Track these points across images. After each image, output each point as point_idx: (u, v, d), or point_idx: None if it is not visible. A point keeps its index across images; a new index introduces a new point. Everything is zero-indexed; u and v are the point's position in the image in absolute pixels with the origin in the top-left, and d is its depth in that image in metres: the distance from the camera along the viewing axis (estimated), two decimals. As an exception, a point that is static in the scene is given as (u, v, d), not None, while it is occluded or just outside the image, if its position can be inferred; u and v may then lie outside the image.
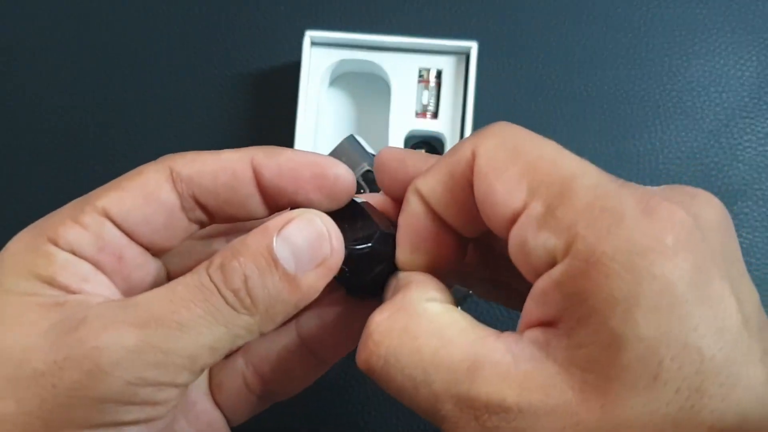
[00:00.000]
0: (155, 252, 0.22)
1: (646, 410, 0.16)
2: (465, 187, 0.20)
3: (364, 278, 0.21)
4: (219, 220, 0.22)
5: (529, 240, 0.17)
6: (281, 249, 0.19)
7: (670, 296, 0.16)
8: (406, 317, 0.19)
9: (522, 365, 0.17)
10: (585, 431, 0.16)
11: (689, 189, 0.18)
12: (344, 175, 0.22)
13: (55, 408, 0.17)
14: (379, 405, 0.38)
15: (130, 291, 0.21)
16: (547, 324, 0.17)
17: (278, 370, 0.24)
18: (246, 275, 0.19)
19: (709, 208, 0.18)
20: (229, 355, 0.24)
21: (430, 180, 0.20)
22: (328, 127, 0.41)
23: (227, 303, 0.19)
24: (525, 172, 0.18)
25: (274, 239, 0.19)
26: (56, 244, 0.20)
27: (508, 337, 0.18)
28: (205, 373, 0.24)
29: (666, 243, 0.16)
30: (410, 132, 0.39)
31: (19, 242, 0.20)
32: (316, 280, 0.20)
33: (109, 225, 0.20)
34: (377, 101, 0.41)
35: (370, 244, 0.21)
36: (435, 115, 0.39)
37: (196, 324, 0.19)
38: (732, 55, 0.42)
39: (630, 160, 0.41)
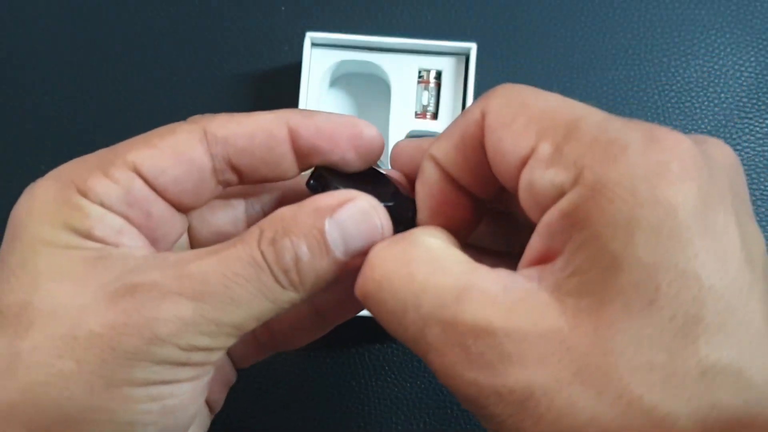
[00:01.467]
0: (181, 209, 0.22)
1: (639, 335, 0.15)
2: (477, 148, 0.20)
3: None
4: (248, 181, 0.23)
5: (536, 179, 0.18)
6: (333, 233, 0.20)
7: (671, 221, 0.15)
8: (404, 245, 0.19)
9: (512, 294, 0.17)
10: (576, 355, 0.16)
11: (699, 135, 0.18)
12: (377, 136, 0.22)
13: (116, 368, 0.18)
14: (378, 406, 0.38)
15: (156, 245, 0.22)
16: (545, 260, 0.17)
17: (285, 323, 0.25)
18: (297, 256, 0.20)
19: (719, 149, 0.18)
20: None
21: (443, 145, 0.21)
22: (329, 128, 0.41)
23: (277, 281, 0.20)
24: (532, 120, 0.18)
25: (327, 222, 0.20)
26: (86, 197, 0.20)
27: (501, 270, 0.18)
28: None
29: (671, 168, 0.16)
30: (410, 132, 0.40)
31: (47, 191, 0.20)
32: (359, 264, 0.20)
33: (139, 181, 0.21)
34: (377, 102, 0.41)
35: (391, 203, 0.21)
36: (435, 115, 0.40)
37: (248, 300, 0.19)
38: (730, 55, 0.42)
39: (629, 161, 0.41)
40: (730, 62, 0.42)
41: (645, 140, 0.17)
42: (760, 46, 0.42)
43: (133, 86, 0.42)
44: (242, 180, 0.22)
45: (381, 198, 0.21)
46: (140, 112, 0.42)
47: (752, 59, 0.42)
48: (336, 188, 0.21)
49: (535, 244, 0.18)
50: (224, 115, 0.22)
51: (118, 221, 0.20)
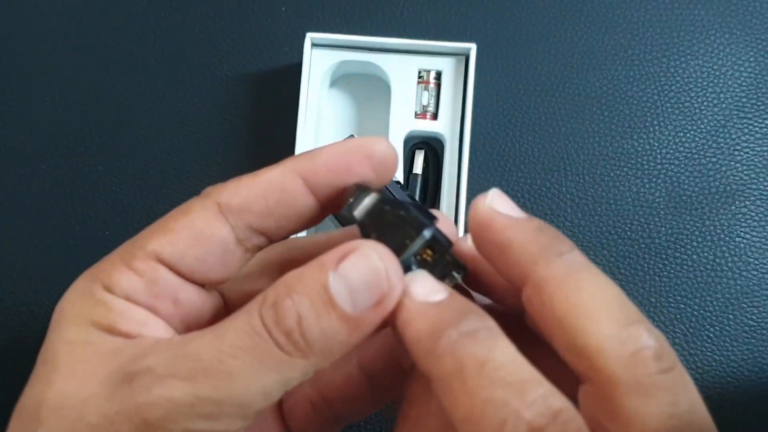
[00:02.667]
0: (212, 286, 0.21)
1: None
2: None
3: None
4: (278, 239, 0.22)
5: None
6: (337, 287, 0.18)
7: None
8: (485, 346, 0.18)
9: None
10: None
11: None
12: (387, 150, 0.21)
13: None
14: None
15: (188, 329, 0.21)
16: None
17: (344, 396, 0.23)
18: (300, 315, 0.18)
19: None
20: None
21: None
22: (329, 128, 0.42)
23: (279, 347, 0.18)
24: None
25: (330, 276, 0.18)
26: (111, 292, 0.20)
27: None
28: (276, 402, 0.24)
29: None
30: (410, 132, 0.40)
31: (76, 291, 0.20)
32: (374, 318, 0.19)
33: (162, 270, 0.20)
34: (377, 102, 0.41)
35: (431, 233, 0.20)
36: (435, 116, 0.40)
37: (247, 372, 0.18)
38: (730, 55, 0.43)
39: (628, 160, 0.41)
40: (729, 62, 0.42)
41: None
42: (760, 47, 0.42)
43: (133, 86, 0.42)
44: (272, 239, 0.21)
45: (419, 226, 0.20)
46: (141, 112, 0.42)
47: (751, 59, 0.42)
48: (363, 226, 0.20)
49: None
50: (233, 182, 0.21)
51: (142, 313, 0.20)
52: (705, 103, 0.42)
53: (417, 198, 0.40)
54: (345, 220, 0.20)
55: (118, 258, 0.20)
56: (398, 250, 0.20)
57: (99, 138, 0.42)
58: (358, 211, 0.20)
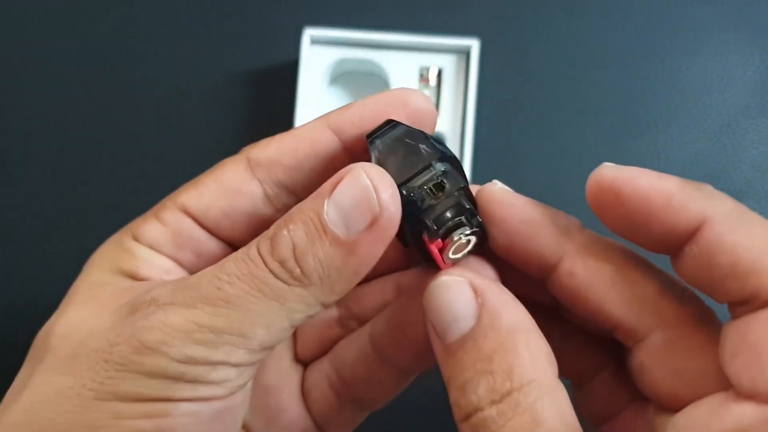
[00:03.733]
0: (242, 245, 0.21)
1: None
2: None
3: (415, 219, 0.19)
4: (305, 196, 0.21)
5: None
6: (331, 212, 0.18)
7: None
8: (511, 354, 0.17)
9: None
10: None
11: None
12: (423, 102, 0.20)
13: (105, 380, 0.18)
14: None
15: None
16: None
17: (358, 376, 0.22)
18: (294, 243, 0.18)
19: None
20: (317, 358, 0.23)
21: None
22: (327, 127, 0.41)
23: (275, 275, 0.18)
24: None
25: (325, 203, 0.18)
26: (138, 241, 0.20)
27: None
28: (297, 378, 0.23)
29: None
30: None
31: (109, 241, 0.21)
32: (371, 243, 0.18)
33: (187, 221, 0.20)
34: (377, 100, 0.40)
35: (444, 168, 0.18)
36: (435, 114, 0.39)
37: (243, 300, 0.18)
38: (735, 55, 0.42)
39: (632, 160, 0.41)
40: (734, 62, 0.42)
41: None
42: (765, 45, 0.42)
43: (130, 84, 0.42)
44: (299, 197, 0.21)
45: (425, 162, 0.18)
46: (135, 110, 0.41)
47: (757, 59, 0.42)
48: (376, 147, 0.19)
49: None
50: (266, 139, 0.21)
51: (167, 263, 0.20)
52: (709, 104, 0.42)
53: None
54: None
55: (153, 210, 0.21)
56: (404, 179, 0.18)
57: (97, 135, 0.41)
58: (374, 137, 0.19)
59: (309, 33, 0.38)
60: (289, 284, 0.18)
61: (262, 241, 0.18)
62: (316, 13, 0.42)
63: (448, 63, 0.39)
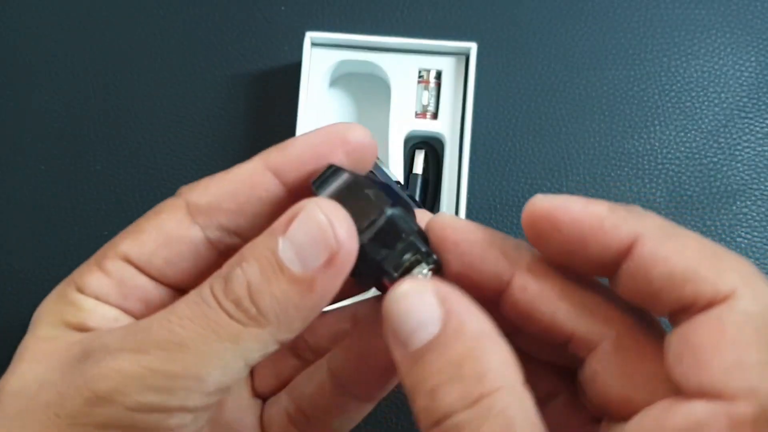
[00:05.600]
0: (189, 289, 0.20)
1: None
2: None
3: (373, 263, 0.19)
4: (252, 236, 0.20)
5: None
6: (287, 250, 0.17)
7: None
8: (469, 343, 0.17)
9: None
10: None
11: None
12: (363, 138, 0.20)
13: None
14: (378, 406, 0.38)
15: None
16: None
17: (318, 407, 0.22)
18: (249, 282, 0.17)
19: None
20: (275, 392, 0.23)
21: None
22: (329, 128, 0.41)
23: (229, 315, 0.17)
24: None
25: (280, 240, 0.17)
26: (83, 292, 0.20)
27: None
28: (256, 413, 0.23)
29: None
30: (410, 132, 0.39)
31: (52, 294, 0.21)
32: (328, 279, 0.18)
33: (130, 270, 0.20)
34: (377, 102, 0.41)
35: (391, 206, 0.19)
36: (435, 115, 0.40)
37: (197, 343, 0.17)
38: (731, 55, 0.42)
39: (629, 160, 0.41)
40: (730, 62, 0.42)
41: None
42: (761, 46, 0.42)
43: (133, 86, 0.42)
44: (247, 239, 0.20)
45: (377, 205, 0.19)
46: (139, 112, 0.42)
47: (752, 59, 0.42)
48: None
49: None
50: (204, 180, 0.20)
51: (114, 312, 0.20)
52: (706, 103, 0.42)
53: (417, 198, 0.39)
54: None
55: (93, 259, 0.20)
56: (358, 229, 0.18)
57: (97, 137, 0.42)
58: (322, 188, 0.19)
59: (310, 36, 0.38)
60: (244, 324, 0.17)
61: (216, 280, 0.18)
62: (317, 17, 0.43)
63: (447, 65, 0.40)
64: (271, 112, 0.42)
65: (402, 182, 0.38)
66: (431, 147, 0.41)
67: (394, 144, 0.39)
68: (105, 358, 0.17)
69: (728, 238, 0.40)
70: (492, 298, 0.19)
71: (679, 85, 0.42)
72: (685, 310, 0.16)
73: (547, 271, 0.19)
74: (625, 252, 0.17)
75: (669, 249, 0.17)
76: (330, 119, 0.41)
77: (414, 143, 0.41)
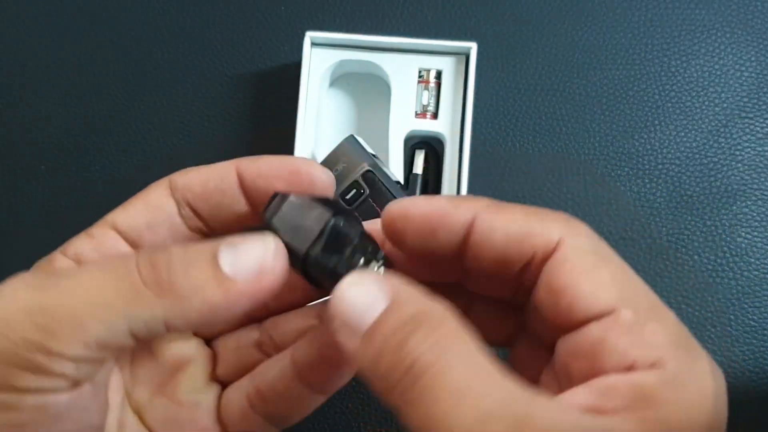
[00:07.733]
0: None
1: None
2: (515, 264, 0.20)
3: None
4: (213, 227, 0.23)
5: (609, 341, 0.18)
6: (227, 252, 0.19)
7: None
8: (429, 322, 0.18)
9: None
10: None
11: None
12: (317, 174, 0.22)
13: None
14: (378, 406, 0.38)
15: None
16: (594, 411, 0.17)
17: (276, 392, 0.24)
18: (179, 255, 0.19)
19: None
20: (239, 376, 0.25)
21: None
22: (329, 127, 0.41)
23: (139, 271, 0.19)
24: (616, 278, 0.19)
25: (222, 245, 0.19)
26: (65, 254, 0.22)
27: (560, 403, 0.18)
28: (213, 395, 0.24)
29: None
30: (410, 132, 0.39)
31: (41, 260, 0.23)
32: (247, 288, 0.19)
33: (113, 235, 0.22)
34: (377, 101, 0.41)
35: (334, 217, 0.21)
36: (435, 115, 0.40)
37: (91, 291, 0.18)
38: (731, 55, 0.42)
39: (629, 160, 0.41)
40: (730, 62, 0.42)
41: (708, 362, 0.18)
42: (761, 46, 0.42)
43: (133, 86, 0.42)
44: (207, 226, 0.23)
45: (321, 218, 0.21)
46: (139, 111, 0.42)
47: (752, 59, 0.42)
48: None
49: (581, 394, 0.18)
50: (190, 168, 0.23)
51: None
52: (706, 103, 0.42)
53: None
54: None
55: (85, 230, 0.23)
56: (311, 242, 0.20)
57: (97, 137, 0.42)
58: (271, 215, 0.21)
59: (310, 36, 0.38)
60: (146, 285, 0.18)
61: (151, 247, 0.19)
62: (317, 17, 0.43)
63: (447, 65, 0.40)
64: (271, 112, 0.42)
65: (402, 182, 0.38)
66: (431, 147, 0.41)
67: (394, 144, 0.39)
68: (6, 290, 0.19)
69: (728, 238, 0.40)
70: (458, 255, 0.21)
71: (679, 85, 0.42)
72: (529, 263, 0.20)
73: (504, 206, 0.21)
74: (468, 229, 0.20)
75: (501, 218, 0.20)
76: (330, 119, 0.41)
77: (414, 143, 0.41)
